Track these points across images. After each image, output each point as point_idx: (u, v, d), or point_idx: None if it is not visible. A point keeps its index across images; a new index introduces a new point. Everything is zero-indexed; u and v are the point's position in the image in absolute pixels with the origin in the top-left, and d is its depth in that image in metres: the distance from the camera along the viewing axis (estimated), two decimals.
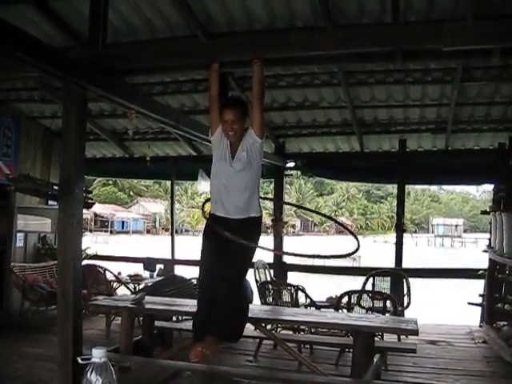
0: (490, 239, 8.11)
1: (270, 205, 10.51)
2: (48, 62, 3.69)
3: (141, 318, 5.98)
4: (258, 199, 3.93)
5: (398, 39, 3.85)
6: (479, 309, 8.49)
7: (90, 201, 7.40)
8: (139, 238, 48.69)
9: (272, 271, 8.86)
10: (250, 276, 7.73)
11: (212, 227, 3.84)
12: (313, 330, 6.40)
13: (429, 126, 8.39)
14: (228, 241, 3.62)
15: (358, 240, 3.95)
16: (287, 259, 9.45)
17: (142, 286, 8.72)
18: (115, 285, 9.00)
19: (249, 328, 6.29)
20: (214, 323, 3.85)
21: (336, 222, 7.01)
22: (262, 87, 3.85)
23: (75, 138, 4.36)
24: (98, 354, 1.66)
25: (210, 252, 3.92)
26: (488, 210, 8.24)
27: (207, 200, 4.17)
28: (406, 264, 8.94)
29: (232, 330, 4.00)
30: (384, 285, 8.03)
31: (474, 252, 19.84)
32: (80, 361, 1.68)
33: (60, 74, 3.94)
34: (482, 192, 68.14)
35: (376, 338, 5.21)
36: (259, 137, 3.79)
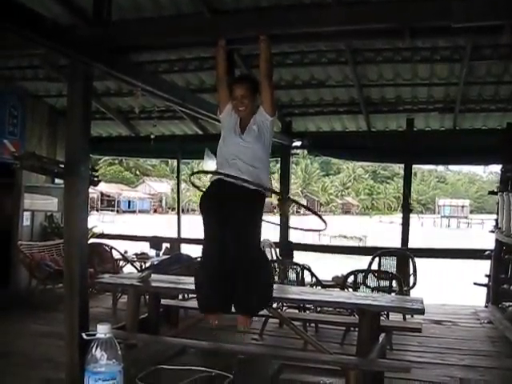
0: (496, 220, 8.09)
1: (276, 184, 10.42)
2: (53, 39, 3.66)
3: (147, 296, 6.00)
4: (267, 177, 3.82)
5: (406, 16, 3.77)
6: (485, 289, 8.50)
7: (95, 179, 7.39)
8: (146, 218, 48.85)
9: (278, 250, 8.87)
10: None
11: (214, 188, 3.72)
12: (318, 309, 6.42)
13: (437, 106, 8.30)
14: (233, 199, 3.56)
15: (323, 220, 3.91)
16: (293, 239, 9.47)
17: (148, 265, 8.75)
18: (121, 263, 9.07)
19: None
20: (237, 297, 3.71)
21: (306, 207, 7.26)
22: (270, 64, 3.81)
23: (80, 116, 4.34)
24: (102, 330, 1.65)
25: (214, 214, 3.71)
26: (495, 190, 8.20)
27: (194, 172, 4.13)
28: (411, 244, 8.94)
29: (258, 299, 3.80)
30: (390, 265, 8.02)
31: (481, 233, 19.80)
32: (85, 336, 1.68)
33: (65, 52, 3.91)
34: (489, 173, 67.88)
35: (381, 318, 5.21)
36: (270, 114, 3.74)
